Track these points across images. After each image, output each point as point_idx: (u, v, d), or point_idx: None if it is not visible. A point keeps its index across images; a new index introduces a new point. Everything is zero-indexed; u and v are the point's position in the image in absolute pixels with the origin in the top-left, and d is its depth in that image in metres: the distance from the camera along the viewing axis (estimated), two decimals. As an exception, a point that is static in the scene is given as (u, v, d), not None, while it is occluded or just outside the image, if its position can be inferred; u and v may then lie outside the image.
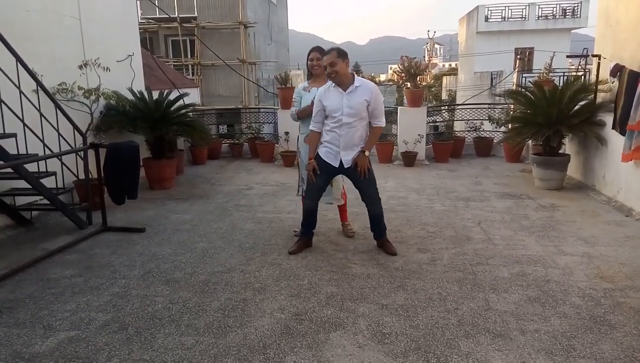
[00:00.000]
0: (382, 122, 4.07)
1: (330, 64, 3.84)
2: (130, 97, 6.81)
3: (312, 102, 4.19)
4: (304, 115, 4.39)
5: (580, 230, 4.76)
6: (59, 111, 5.07)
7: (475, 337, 2.85)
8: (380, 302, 3.31)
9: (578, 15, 27.00)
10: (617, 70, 5.78)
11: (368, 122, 4.05)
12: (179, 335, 2.92)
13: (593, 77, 6.69)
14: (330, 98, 3.98)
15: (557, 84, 7.56)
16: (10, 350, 2.78)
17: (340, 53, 3.89)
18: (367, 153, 4.02)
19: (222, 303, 3.34)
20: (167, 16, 19.03)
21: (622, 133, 5.46)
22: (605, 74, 6.24)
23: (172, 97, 7.12)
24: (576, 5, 26.96)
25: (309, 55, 4.46)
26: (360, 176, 4.03)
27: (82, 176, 5.40)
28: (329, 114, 4.00)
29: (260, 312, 3.20)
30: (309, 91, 4.43)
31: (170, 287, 3.62)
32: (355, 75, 4.04)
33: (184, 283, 3.68)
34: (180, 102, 7.21)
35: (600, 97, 6.39)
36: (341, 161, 4.04)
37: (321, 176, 4.13)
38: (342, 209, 4.79)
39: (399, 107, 9.21)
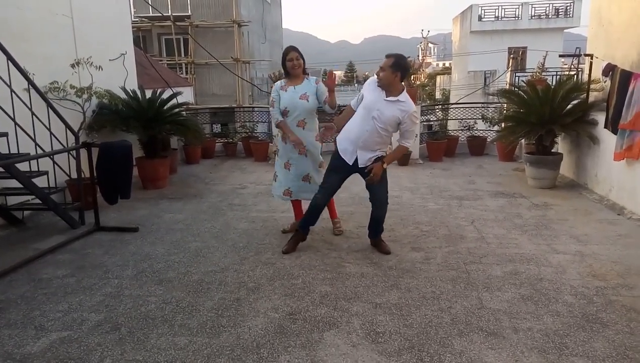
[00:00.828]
0: (409, 143, 4.07)
1: (381, 68, 3.86)
2: (123, 96, 6.77)
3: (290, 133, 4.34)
4: (285, 136, 4.40)
5: (573, 229, 4.79)
6: (50, 110, 5.03)
7: (468, 336, 2.86)
8: (374, 301, 3.31)
9: (571, 15, 27.15)
10: (609, 70, 5.82)
11: (391, 134, 4.05)
12: (172, 335, 2.91)
13: (585, 77, 6.74)
14: (372, 93, 3.95)
15: (550, 83, 7.60)
16: (2, 351, 2.76)
17: (395, 64, 3.80)
18: (385, 165, 3.96)
19: (216, 303, 3.32)
20: (161, 15, 18.91)
21: (614, 132, 5.50)
22: (597, 73, 6.28)
23: (165, 96, 7.09)
24: (569, 4, 27.10)
25: (286, 55, 4.40)
26: (371, 182, 3.99)
27: (74, 175, 5.37)
28: (362, 109, 3.98)
29: (254, 312, 3.19)
30: (285, 90, 4.41)
31: (163, 286, 3.60)
32: (405, 91, 3.94)
33: (177, 283, 3.66)
34: (174, 101, 7.18)
35: (593, 96, 6.43)
36: (356, 159, 4.04)
37: (337, 174, 4.16)
38: (331, 207, 4.78)
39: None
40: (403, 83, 3.99)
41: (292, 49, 4.42)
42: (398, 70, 3.81)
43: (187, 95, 9.26)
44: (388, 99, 3.87)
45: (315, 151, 4.52)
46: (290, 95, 4.39)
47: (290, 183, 4.54)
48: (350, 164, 4.07)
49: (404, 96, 3.90)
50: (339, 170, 4.15)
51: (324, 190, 4.22)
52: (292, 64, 4.37)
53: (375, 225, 4.29)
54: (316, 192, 4.27)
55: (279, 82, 4.59)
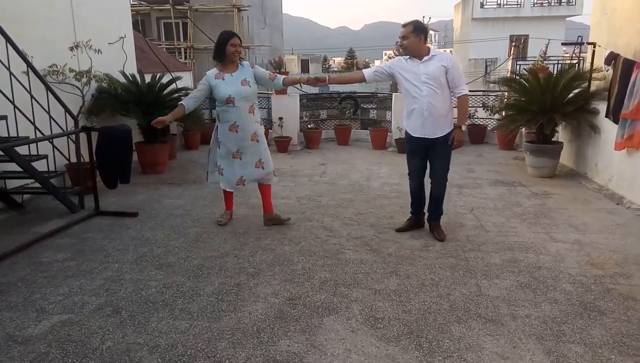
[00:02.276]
0: (465, 90, 4.05)
1: (403, 37, 3.96)
2: (122, 80, 6.73)
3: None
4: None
5: (572, 218, 4.81)
6: (50, 93, 5.00)
7: (467, 322, 2.88)
8: (374, 287, 3.33)
9: (573, 3, 26.93)
10: (611, 59, 5.78)
11: (450, 94, 4.04)
12: (172, 319, 2.92)
13: (587, 65, 6.70)
14: (407, 68, 4.04)
15: (552, 72, 7.56)
16: (3, 333, 2.78)
17: (416, 28, 3.95)
18: (463, 127, 4.03)
19: (216, 287, 3.34)
20: (160, -2, 18.75)
21: (616, 121, 5.48)
22: (599, 62, 6.25)
23: (164, 80, 7.04)
24: (571, -8, 26.88)
25: (229, 39, 4.22)
26: (456, 148, 4.09)
27: (73, 160, 5.35)
28: (408, 84, 4.04)
29: (254, 297, 3.21)
30: (223, 78, 4.27)
31: (163, 271, 3.62)
32: (431, 48, 4.08)
33: (178, 268, 3.68)
34: (173, 86, 7.13)
35: (595, 85, 6.40)
36: (428, 133, 4.08)
37: (416, 155, 4.22)
38: (267, 193, 4.68)
39: (393, 94, 9.17)
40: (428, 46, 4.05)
41: (234, 34, 4.31)
42: (420, 32, 3.95)
43: (186, 80, 9.18)
44: (424, 60, 3.98)
45: (263, 137, 4.52)
46: (231, 82, 4.25)
47: (243, 171, 4.47)
48: (426, 138, 4.09)
49: (434, 51, 4.04)
50: (416, 152, 4.23)
51: (412, 176, 4.34)
52: (234, 50, 4.22)
53: (435, 206, 4.31)
54: (265, 174, 4.47)
55: (211, 71, 4.35)
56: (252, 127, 4.39)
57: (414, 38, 3.94)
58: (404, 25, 4.02)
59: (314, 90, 10.05)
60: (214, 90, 4.28)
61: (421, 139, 4.12)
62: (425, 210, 4.44)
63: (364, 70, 4.32)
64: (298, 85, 5.72)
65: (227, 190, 4.64)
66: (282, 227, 4.56)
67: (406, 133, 4.27)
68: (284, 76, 4.55)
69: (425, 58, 3.98)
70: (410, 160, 4.33)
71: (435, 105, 3.99)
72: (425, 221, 4.45)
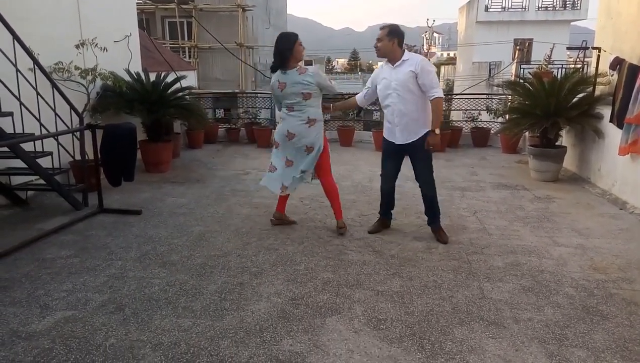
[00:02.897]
0: (438, 92, 4.00)
1: (377, 40, 4.05)
2: (127, 78, 6.75)
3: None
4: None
5: (575, 222, 4.80)
6: (55, 91, 5.02)
7: (469, 325, 2.88)
8: (376, 289, 3.34)
9: (578, 7, 26.86)
10: (616, 63, 5.78)
11: (424, 98, 4.03)
12: (175, 317, 2.93)
13: (591, 70, 6.69)
14: (382, 75, 4.18)
15: (556, 76, 7.56)
16: (7, 329, 2.79)
17: (391, 32, 4.03)
18: (437, 131, 4.03)
19: (219, 286, 3.35)
20: (165, -3, 18.77)
21: (620, 126, 5.48)
22: (604, 66, 6.25)
23: (169, 79, 7.06)
24: (576, -3, 26.83)
25: (296, 39, 4.14)
26: (432, 151, 4.16)
27: (78, 157, 5.37)
28: (380, 91, 4.17)
29: (256, 296, 3.21)
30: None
31: (167, 269, 3.63)
32: (407, 51, 4.12)
33: (181, 266, 3.69)
34: (178, 85, 7.15)
35: (599, 89, 6.40)
36: (401, 139, 4.16)
37: (389, 156, 4.31)
38: (282, 199, 4.60)
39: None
40: (404, 49, 4.09)
41: (296, 34, 4.26)
42: (394, 37, 4.01)
43: (190, 79, 9.21)
44: (395, 65, 4.04)
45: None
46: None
47: (287, 179, 4.35)
48: (396, 143, 4.18)
49: (407, 55, 4.06)
50: (389, 154, 4.31)
51: (383, 177, 4.45)
52: (302, 49, 4.20)
53: (430, 208, 4.35)
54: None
55: (294, 71, 4.14)
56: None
57: (387, 41, 4.00)
58: (381, 28, 4.11)
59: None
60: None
61: (392, 143, 4.22)
62: (424, 213, 4.47)
63: (356, 97, 4.49)
64: None
65: (272, 190, 4.49)
66: (285, 227, 4.57)
67: (383, 136, 4.36)
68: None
69: (397, 63, 4.03)
70: (384, 161, 4.40)
71: (404, 111, 4.04)
72: (427, 224, 4.46)
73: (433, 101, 4.00)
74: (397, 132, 4.15)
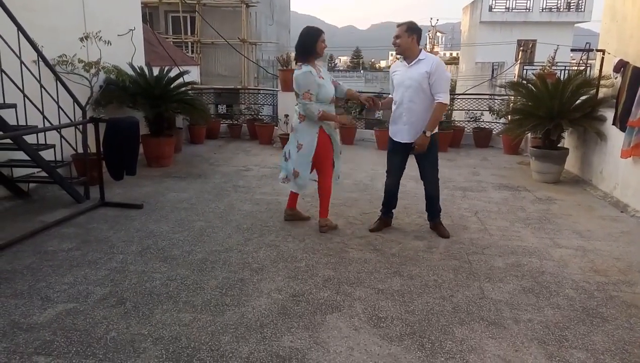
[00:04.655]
0: (443, 98, 3.99)
1: (396, 37, 4.03)
2: (130, 72, 6.74)
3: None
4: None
5: (576, 224, 4.81)
6: (59, 83, 5.02)
7: (469, 324, 2.89)
8: (377, 287, 3.34)
9: (582, 9, 26.80)
10: (620, 66, 5.78)
11: (433, 100, 4.04)
12: (176, 312, 2.94)
13: (595, 72, 6.68)
14: (398, 72, 4.18)
15: (560, 78, 7.55)
16: (9, 320, 2.80)
17: (409, 28, 4.02)
18: (427, 133, 4.02)
19: (220, 282, 3.36)
20: (168, -9, 18.73)
21: (622, 129, 5.48)
22: (608, 69, 6.24)
23: (172, 74, 7.05)
24: (581, -1, 26.77)
25: (319, 35, 4.06)
26: (416, 152, 4.14)
27: (80, 150, 5.37)
28: (395, 87, 4.18)
29: (257, 292, 3.22)
30: (322, 77, 4.13)
31: (168, 264, 3.64)
32: (423, 50, 4.14)
33: (182, 261, 3.69)
34: (180, 80, 7.15)
35: (602, 92, 6.39)
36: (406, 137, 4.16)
37: (395, 155, 4.29)
38: (292, 196, 4.63)
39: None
40: (421, 48, 4.11)
41: (321, 29, 4.15)
42: (413, 33, 4.02)
43: (193, 74, 9.20)
44: (411, 64, 4.05)
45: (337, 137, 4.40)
46: (328, 81, 4.17)
47: (285, 171, 4.39)
48: (401, 143, 4.18)
49: (424, 54, 4.09)
50: (395, 151, 4.30)
51: (389, 173, 4.43)
52: (324, 46, 4.12)
53: (430, 205, 4.41)
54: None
55: (310, 69, 4.03)
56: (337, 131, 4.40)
57: (407, 37, 4.01)
58: (399, 25, 4.10)
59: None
60: (320, 89, 4.05)
61: (398, 141, 4.22)
62: (425, 210, 4.53)
63: (391, 96, 4.38)
64: None
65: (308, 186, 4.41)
66: (287, 224, 4.57)
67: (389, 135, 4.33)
68: (348, 87, 4.50)
69: (413, 62, 4.04)
70: (390, 158, 4.39)
71: (414, 110, 4.06)
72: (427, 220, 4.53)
73: (436, 104, 4.02)
74: (405, 131, 4.15)
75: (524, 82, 7.23)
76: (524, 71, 13.70)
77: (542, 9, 27.13)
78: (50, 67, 5.00)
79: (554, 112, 6.32)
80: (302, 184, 4.30)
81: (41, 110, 4.77)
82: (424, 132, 4.03)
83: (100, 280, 3.33)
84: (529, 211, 5.20)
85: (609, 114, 5.98)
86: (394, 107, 4.24)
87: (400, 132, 4.19)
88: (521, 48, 21.66)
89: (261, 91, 11.40)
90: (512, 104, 8.55)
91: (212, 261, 3.70)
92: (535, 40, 26.13)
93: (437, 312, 3.02)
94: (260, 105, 10.41)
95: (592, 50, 7.20)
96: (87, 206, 4.90)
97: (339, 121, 4.25)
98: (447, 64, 38.71)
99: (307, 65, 4.06)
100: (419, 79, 3.98)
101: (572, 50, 10.28)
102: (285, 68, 8.82)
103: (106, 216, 4.70)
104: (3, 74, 4.51)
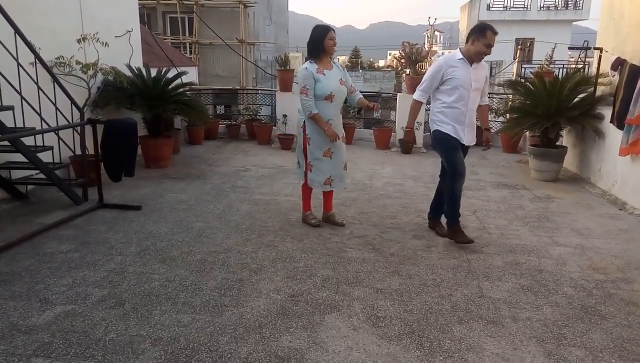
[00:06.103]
0: (487, 100, 4.38)
1: (490, 46, 3.95)
2: (128, 73, 6.73)
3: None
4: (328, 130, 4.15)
5: (574, 222, 4.81)
6: (56, 85, 5.01)
7: (468, 323, 2.89)
8: (375, 286, 3.34)
9: (580, 8, 26.87)
10: (618, 64, 5.79)
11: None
12: (175, 313, 2.94)
13: (592, 70, 6.69)
14: (459, 70, 3.97)
15: (558, 76, 7.56)
16: (7, 322, 2.79)
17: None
18: (491, 129, 4.14)
19: (219, 282, 3.36)
20: (166, -8, 18.73)
21: (620, 127, 5.49)
22: (606, 67, 6.25)
23: (170, 75, 7.05)
24: (578, -3, 26.82)
25: (326, 33, 4.10)
26: (486, 146, 4.43)
27: (78, 152, 5.36)
28: (461, 87, 3.98)
29: (256, 292, 3.22)
30: (323, 74, 4.14)
31: (166, 265, 3.63)
32: None
33: (181, 262, 3.69)
34: (178, 81, 7.14)
35: (600, 90, 6.40)
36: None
37: (459, 152, 4.14)
38: (329, 197, 4.66)
39: (398, 94, 9.17)
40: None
41: (330, 27, 4.18)
42: None
43: (191, 75, 9.20)
44: (474, 66, 4.02)
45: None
46: (332, 78, 4.16)
47: (332, 171, 4.33)
48: (461, 143, 4.15)
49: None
50: (458, 149, 4.14)
51: (459, 174, 4.12)
52: (333, 43, 4.12)
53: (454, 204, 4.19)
54: (346, 177, 4.46)
55: (310, 65, 4.13)
56: (341, 127, 4.38)
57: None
58: (495, 33, 3.97)
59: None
60: (316, 84, 4.10)
61: (459, 140, 4.10)
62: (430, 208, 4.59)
63: (415, 98, 4.19)
64: None
65: (317, 185, 4.40)
66: (285, 224, 4.57)
67: (443, 133, 4.10)
68: (361, 95, 4.49)
69: (475, 65, 4.02)
70: (455, 156, 4.11)
71: (474, 111, 4.16)
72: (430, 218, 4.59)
73: (486, 106, 4.36)
74: (467, 131, 4.11)
75: (522, 80, 7.24)
76: (522, 69, 13.71)
77: (540, 7, 27.21)
78: (48, 69, 4.99)
79: (552, 110, 6.33)
80: (313, 178, 4.36)
81: (39, 112, 4.76)
82: (487, 129, 4.38)
83: (99, 282, 3.33)
84: (528, 209, 5.21)
85: (607, 112, 5.98)
86: (447, 108, 4.03)
87: (465, 133, 4.10)
88: (519, 46, 21.68)
89: (259, 91, 11.39)
90: (510, 103, 8.56)
91: (211, 262, 3.70)
92: (533, 39, 26.18)
93: (436, 311, 3.02)
94: (259, 105, 10.41)
95: (589, 48, 7.20)
96: (85, 208, 4.90)
97: (327, 133, 4.14)
98: (445, 63, 38.66)
99: (312, 61, 4.16)
100: (482, 81, 4.09)
101: (570, 48, 10.26)
102: (283, 68, 8.82)
103: (105, 218, 4.70)
104: (0, 76, 4.50)
